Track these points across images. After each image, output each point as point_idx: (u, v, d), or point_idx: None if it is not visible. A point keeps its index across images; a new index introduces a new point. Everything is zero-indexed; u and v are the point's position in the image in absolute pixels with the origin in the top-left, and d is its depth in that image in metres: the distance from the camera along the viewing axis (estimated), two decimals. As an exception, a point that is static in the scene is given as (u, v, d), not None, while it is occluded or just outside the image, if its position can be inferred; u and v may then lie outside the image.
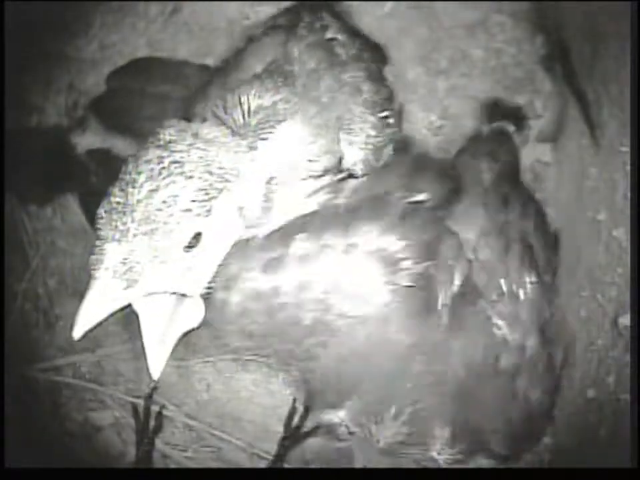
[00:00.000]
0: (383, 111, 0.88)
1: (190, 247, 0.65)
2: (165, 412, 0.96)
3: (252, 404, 0.98)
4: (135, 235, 0.62)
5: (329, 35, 0.89)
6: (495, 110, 0.98)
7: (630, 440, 0.68)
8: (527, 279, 0.76)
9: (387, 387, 0.71)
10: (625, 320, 0.80)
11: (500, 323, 0.73)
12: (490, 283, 0.74)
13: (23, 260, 1.02)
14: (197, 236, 0.65)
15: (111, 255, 0.62)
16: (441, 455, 0.74)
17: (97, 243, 0.63)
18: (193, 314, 0.73)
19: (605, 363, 0.84)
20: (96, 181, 0.94)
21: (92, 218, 0.99)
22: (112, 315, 0.63)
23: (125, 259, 0.62)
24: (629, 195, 0.80)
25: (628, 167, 0.80)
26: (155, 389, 0.96)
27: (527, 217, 0.82)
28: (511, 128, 0.93)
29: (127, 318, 1.01)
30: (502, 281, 0.74)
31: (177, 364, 0.99)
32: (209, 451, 0.97)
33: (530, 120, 1.08)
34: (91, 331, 0.62)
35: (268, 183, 0.74)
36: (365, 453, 0.76)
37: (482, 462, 0.76)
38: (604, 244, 0.87)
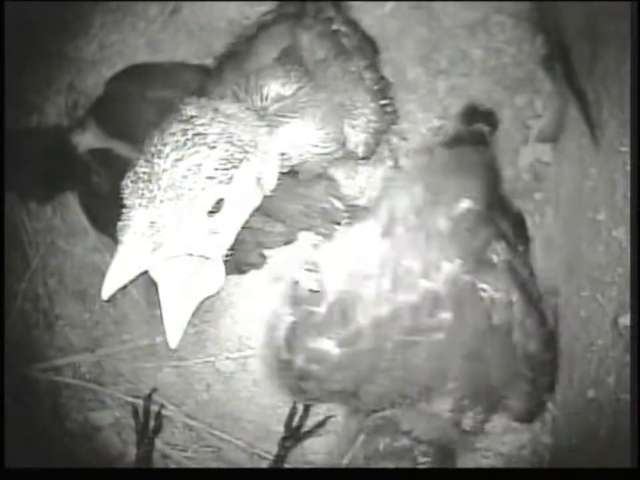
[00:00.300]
0: (382, 99, 0.92)
1: (213, 212, 0.69)
2: (164, 412, 0.96)
3: (252, 404, 0.98)
4: (161, 201, 0.65)
5: (334, 26, 0.92)
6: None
7: (630, 440, 0.68)
8: (498, 247, 0.84)
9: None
10: (625, 320, 0.80)
11: (484, 286, 0.81)
12: (467, 255, 0.81)
13: (23, 260, 1.02)
14: (220, 201, 0.69)
15: (138, 220, 0.65)
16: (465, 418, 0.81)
17: (124, 211, 0.66)
18: (212, 280, 0.77)
19: (605, 362, 0.84)
20: (97, 180, 0.94)
21: (92, 217, 1.00)
22: (138, 276, 0.66)
23: (153, 222, 0.65)
24: (628, 194, 0.80)
25: (628, 167, 0.80)
26: (154, 389, 0.97)
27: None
28: (485, 129, 0.99)
29: (127, 318, 1.01)
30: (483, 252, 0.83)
31: (177, 364, 0.99)
32: (209, 451, 0.97)
33: (529, 120, 1.08)
34: (119, 290, 0.65)
35: (280, 158, 0.79)
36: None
37: (502, 422, 0.86)
38: (604, 244, 0.87)
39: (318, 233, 0.90)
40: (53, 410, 0.98)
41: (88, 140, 0.95)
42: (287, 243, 0.91)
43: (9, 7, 0.83)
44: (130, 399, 0.97)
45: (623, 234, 0.83)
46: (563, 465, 0.90)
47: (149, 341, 0.99)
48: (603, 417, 0.82)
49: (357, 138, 0.89)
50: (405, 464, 0.81)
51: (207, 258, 0.74)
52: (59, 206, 1.04)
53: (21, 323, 1.00)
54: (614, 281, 0.84)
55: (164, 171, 0.66)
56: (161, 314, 0.73)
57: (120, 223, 0.66)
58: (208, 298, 0.78)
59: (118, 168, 0.85)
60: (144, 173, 0.67)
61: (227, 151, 0.69)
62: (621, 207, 0.83)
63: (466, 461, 0.92)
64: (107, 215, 0.96)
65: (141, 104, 0.95)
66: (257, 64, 0.86)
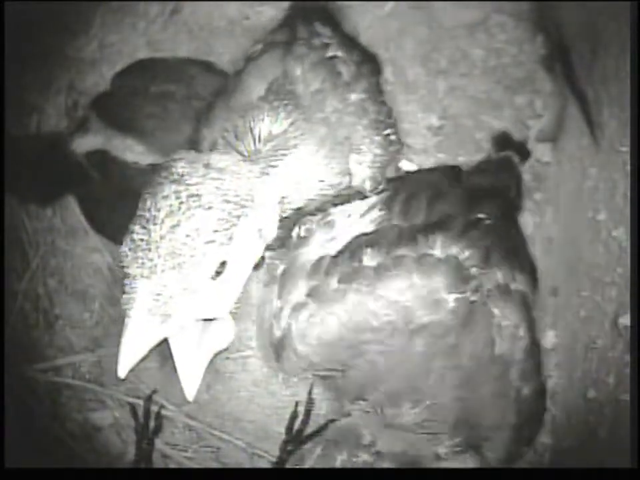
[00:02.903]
0: (386, 129, 0.90)
1: (217, 275, 0.66)
2: (164, 412, 0.96)
3: (252, 404, 0.98)
4: (162, 271, 0.63)
5: (329, 53, 0.90)
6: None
7: (630, 440, 0.68)
8: (517, 276, 0.83)
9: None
10: (625, 320, 0.80)
11: (495, 310, 0.79)
12: (485, 276, 0.80)
13: (23, 260, 1.02)
14: (223, 264, 0.67)
15: (142, 292, 0.63)
16: (440, 445, 0.77)
17: (126, 281, 0.64)
18: (222, 335, 0.78)
19: (605, 363, 0.84)
20: (94, 183, 0.94)
21: (91, 220, 1.00)
22: (152, 349, 0.65)
23: (158, 294, 0.63)
24: (628, 194, 0.80)
25: (628, 167, 0.80)
26: (155, 391, 0.97)
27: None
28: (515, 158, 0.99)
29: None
30: (498, 274, 0.81)
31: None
32: (209, 451, 0.97)
33: (529, 120, 1.08)
34: (134, 368, 0.64)
35: (280, 202, 0.77)
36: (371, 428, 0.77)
37: (471, 460, 0.79)
38: (604, 244, 0.87)
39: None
40: (53, 410, 0.98)
41: (87, 141, 0.95)
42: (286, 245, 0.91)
43: (8, 7, 0.83)
44: (130, 399, 0.97)
45: (622, 234, 0.83)
46: (563, 465, 0.90)
47: (148, 341, 0.99)
48: (603, 417, 0.82)
49: (363, 174, 0.87)
50: None
51: (216, 318, 0.73)
52: (58, 206, 1.04)
53: (21, 323, 1.00)
54: (614, 281, 0.84)
55: (161, 238, 0.63)
56: (174, 367, 0.73)
57: (125, 296, 0.64)
58: (219, 352, 0.78)
59: (116, 170, 0.85)
60: (141, 240, 0.64)
61: (223, 210, 0.66)
62: (621, 207, 0.83)
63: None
64: (105, 217, 0.96)
65: (144, 98, 0.95)
66: (244, 102, 0.83)
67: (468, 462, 0.78)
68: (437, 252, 0.79)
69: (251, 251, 0.72)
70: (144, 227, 0.64)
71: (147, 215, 0.65)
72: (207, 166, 0.68)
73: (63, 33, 1.07)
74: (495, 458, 0.79)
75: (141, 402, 0.96)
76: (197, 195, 0.65)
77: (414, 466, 0.74)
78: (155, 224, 0.64)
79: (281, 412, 0.96)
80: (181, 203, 0.65)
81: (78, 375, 1.00)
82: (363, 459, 0.71)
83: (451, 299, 0.77)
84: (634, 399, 0.72)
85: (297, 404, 0.94)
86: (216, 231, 0.65)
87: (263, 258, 0.90)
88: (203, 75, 0.99)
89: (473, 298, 0.78)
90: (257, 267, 0.92)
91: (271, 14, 1.03)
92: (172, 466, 0.96)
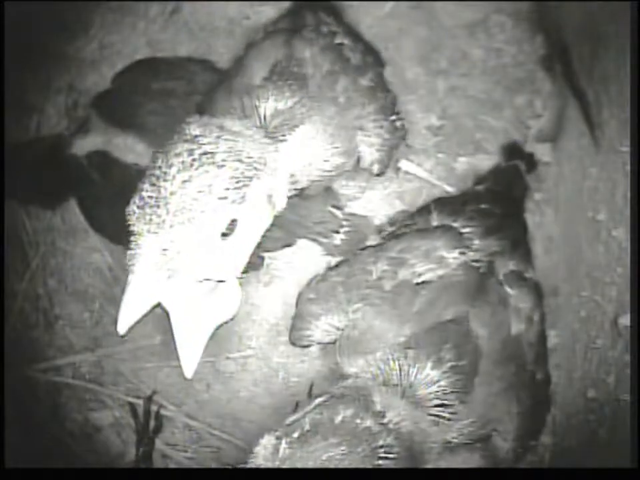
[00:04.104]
0: (392, 114, 0.92)
1: (226, 233, 0.66)
2: (164, 412, 0.96)
3: (252, 404, 0.98)
4: (171, 226, 0.62)
5: (337, 40, 0.91)
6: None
7: (630, 440, 0.68)
8: (529, 266, 0.87)
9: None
10: (625, 320, 0.80)
11: (512, 292, 0.82)
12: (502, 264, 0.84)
13: (23, 260, 1.02)
14: (233, 222, 0.66)
15: (149, 247, 0.62)
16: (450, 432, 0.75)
17: (132, 238, 0.63)
18: (228, 303, 0.75)
19: (605, 363, 0.84)
20: (95, 184, 0.94)
21: (91, 220, 1.00)
22: (154, 307, 0.64)
23: (165, 249, 0.62)
24: (628, 195, 0.80)
25: (628, 167, 0.80)
26: (155, 392, 0.97)
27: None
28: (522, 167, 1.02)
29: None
30: (510, 263, 0.84)
31: (177, 364, 0.98)
32: (208, 451, 0.97)
33: (529, 120, 1.08)
34: (134, 326, 0.63)
35: (290, 178, 0.77)
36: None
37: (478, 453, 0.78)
38: (604, 244, 0.87)
39: (316, 241, 0.90)
40: (53, 410, 0.98)
41: (88, 142, 0.95)
42: (285, 246, 0.91)
43: (8, 7, 0.83)
44: (130, 399, 0.97)
45: (622, 234, 0.83)
46: (563, 465, 0.90)
47: (149, 341, 0.99)
48: (603, 417, 0.82)
49: (371, 156, 0.88)
50: (354, 455, 0.62)
51: (222, 281, 0.72)
52: (59, 206, 1.04)
53: (21, 323, 1.00)
54: (614, 281, 0.84)
55: (172, 194, 0.63)
56: (173, 342, 0.70)
57: (129, 252, 0.63)
58: (224, 324, 0.76)
59: (116, 171, 0.85)
60: (150, 197, 0.63)
61: (236, 169, 0.66)
62: (620, 207, 0.83)
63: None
64: (105, 217, 0.96)
65: (145, 95, 0.95)
66: (247, 84, 0.84)
67: (475, 455, 0.77)
68: (434, 222, 0.85)
69: (261, 216, 0.72)
70: (153, 184, 0.64)
71: (157, 172, 0.65)
72: (221, 128, 0.69)
73: (63, 33, 1.07)
74: (503, 450, 0.78)
75: (141, 402, 0.96)
76: (211, 153, 0.65)
77: (415, 456, 0.71)
78: (165, 180, 0.63)
79: (281, 412, 0.96)
80: (194, 159, 0.64)
81: (78, 374, 1.00)
82: (366, 425, 0.65)
83: (450, 257, 0.80)
84: (634, 399, 0.72)
85: (297, 404, 0.94)
86: (228, 189, 0.65)
87: (262, 258, 0.90)
88: (204, 72, 0.99)
89: (475, 263, 0.81)
90: (257, 267, 0.92)
91: (271, 14, 1.03)
92: (172, 466, 0.96)
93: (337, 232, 0.92)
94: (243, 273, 0.92)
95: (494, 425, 0.77)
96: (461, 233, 0.84)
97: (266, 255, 0.93)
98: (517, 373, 0.79)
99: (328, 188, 0.90)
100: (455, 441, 0.75)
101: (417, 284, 0.79)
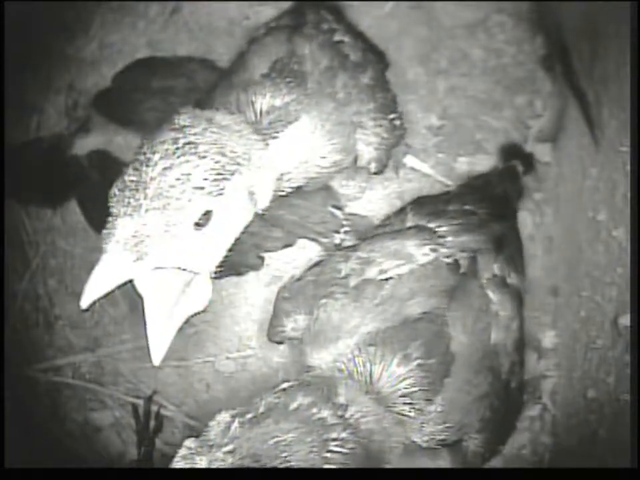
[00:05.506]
0: (391, 113, 0.92)
1: (200, 224, 0.67)
2: (164, 412, 0.96)
3: (252, 404, 0.98)
4: (147, 210, 0.64)
5: (337, 37, 0.91)
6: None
7: (630, 440, 0.68)
8: (512, 272, 0.86)
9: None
10: (625, 320, 0.80)
11: (493, 297, 0.81)
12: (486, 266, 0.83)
13: (23, 260, 1.02)
14: (207, 214, 0.67)
15: (122, 229, 0.64)
16: (424, 429, 0.73)
17: (109, 219, 0.65)
18: (199, 296, 0.75)
19: (605, 362, 0.84)
20: (95, 183, 0.94)
21: (91, 221, 1.00)
22: (119, 286, 0.65)
23: (136, 231, 0.64)
24: (628, 195, 0.80)
25: (628, 167, 0.80)
26: (155, 392, 0.97)
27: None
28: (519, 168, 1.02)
29: (127, 318, 1.01)
30: (495, 266, 0.83)
31: (177, 364, 0.99)
32: (208, 451, 0.97)
33: (529, 120, 1.08)
34: (97, 301, 0.64)
35: (279, 179, 0.77)
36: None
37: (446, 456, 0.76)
38: (604, 244, 0.87)
39: (316, 241, 0.90)
40: (53, 410, 0.98)
41: (88, 141, 0.95)
42: (286, 246, 0.91)
43: (8, 7, 0.83)
44: (130, 399, 0.97)
45: (622, 234, 0.83)
46: (563, 465, 0.90)
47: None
48: (603, 417, 0.82)
49: (369, 155, 0.88)
50: (303, 444, 0.60)
51: (195, 273, 0.72)
52: (59, 206, 1.04)
53: (21, 323, 1.00)
54: (614, 281, 0.84)
55: (152, 179, 0.64)
56: (144, 328, 0.71)
57: (104, 231, 0.64)
58: (194, 315, 0.76)
59: (116, 170, 0.85)
60: (131, 181, 0.65)
61: (217, 162, 0.67)
62: (620, 207, 0.83)
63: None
64: (105, 217, 0.96)
65: (145, 92, 0.96)
66: (246, 79, 0.84)
67: (439, 458, 0.75)
68: (409, 223, 0.85)
69: (240, 211, 0.72)
70: (136, 169, 0.66)
71: (142, 157, 0.66)
72: (209, 120, 0.70)
73: (63, 33, 1.07)
74: (471, 454, 0.77)
75: (141, 402, 0.96)
76: (194, 143, 0.67)
77: (372, 454, 0.68)
78: (147, 166, 0.65)
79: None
80: (177, 148, 0.66)
81: (78, 374, 0.99)
82: (321, 416, 0.63)
83: (420, 253, 0.79)
84: (634, 399, 0.72)
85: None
86: (206, 180, 0.66)
87: (262, 258, 0.90)
88: (204, 70, 1.00)
89: (448, 259, 0.80)
90: (257, 267, 0.92)
91: (271, 14, 1.03)
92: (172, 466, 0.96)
93: (337, 232, 0.92)
94: (242, 273, 0.92)
95: (466, 430, 0.76)
96: (435, 232, 0.82)
97: (266, 255, 0.93)
98: (493, 382, 0.78)
99: (328, 187, 0.90)
100: (422, 443, 0.73)
101: (382, 280, 0.78)
